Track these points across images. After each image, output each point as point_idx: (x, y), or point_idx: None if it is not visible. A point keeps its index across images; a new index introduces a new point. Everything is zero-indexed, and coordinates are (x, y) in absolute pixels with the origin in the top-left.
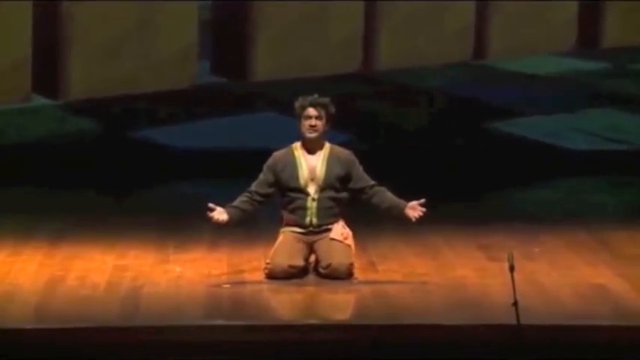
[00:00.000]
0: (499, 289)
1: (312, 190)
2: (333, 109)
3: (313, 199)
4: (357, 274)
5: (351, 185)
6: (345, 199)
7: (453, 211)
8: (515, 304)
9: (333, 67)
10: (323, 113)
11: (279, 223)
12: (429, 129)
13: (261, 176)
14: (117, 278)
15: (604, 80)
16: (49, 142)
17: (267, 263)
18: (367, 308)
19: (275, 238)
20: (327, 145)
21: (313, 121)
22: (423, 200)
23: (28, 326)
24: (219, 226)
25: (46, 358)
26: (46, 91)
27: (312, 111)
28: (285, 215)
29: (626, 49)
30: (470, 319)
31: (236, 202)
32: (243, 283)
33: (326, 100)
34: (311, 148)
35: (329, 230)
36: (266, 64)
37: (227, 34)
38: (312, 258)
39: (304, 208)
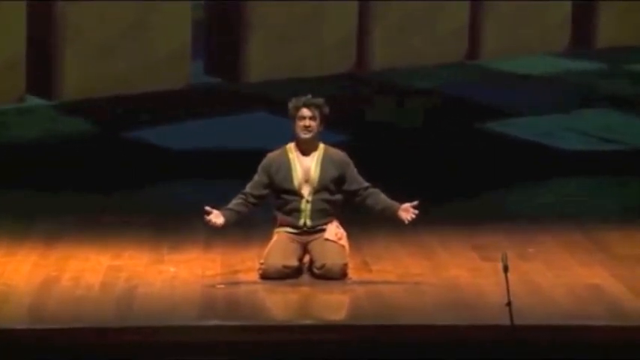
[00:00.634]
0: (493, 290)
1: (306, 192)
2: (326, 110)
3: (307, 201)
4: (351, 274)
5: (345, 187)
6: (338, 201)
7: (447, 211)
8: (509, 304)
9: (327, 67)
10: (317, 114)
11: (273, 223)
12: (423, 129)
13: (256, 177)
14: (111, 278)
15: (598, 80)
16: (44, 143)
17: (261, 263)
18: (361, 308)
19: (269, 239)
20: (322, 146)
21: (307, 122)
22: (415, 202)
23: (23, 326)
24: (216, 229)
25: (40, 358)
26: (40, 92)
27: (305, 111)
28: (279, 216)
29: (621, 49)
30: (464, 320)
31: (231, 205)
32: (237, 283)
33: (320, 100)
34: (305, 149)
35: (323, 231)
36: (260, 64)
37: (221, 34)
38: (307, 258)
39: (298, 210)
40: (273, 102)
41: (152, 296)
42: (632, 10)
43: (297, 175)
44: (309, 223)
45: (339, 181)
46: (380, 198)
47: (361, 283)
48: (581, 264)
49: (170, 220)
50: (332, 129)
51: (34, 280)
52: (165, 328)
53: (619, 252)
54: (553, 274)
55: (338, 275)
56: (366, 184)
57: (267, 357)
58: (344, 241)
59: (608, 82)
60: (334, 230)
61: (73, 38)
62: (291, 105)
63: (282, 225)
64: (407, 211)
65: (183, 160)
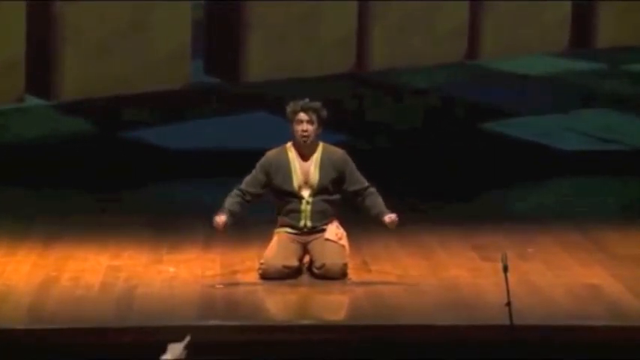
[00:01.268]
0: (493, 290)
1: (305, 193)
2: (324, 113)
3: (307, 203)
4: (351, 274)
5: (346, 187)
6: (338, 200)
7: (446, 211)
8: (508, 304)
9: (327, 67)
10: (314, 117)
11: (272, 223)
12: (423, 129)
13: (254, 174)
14: (111, 279)
15: (597, 80)
16: (43, 143)
17: (262, 263)
18: (360, 309)
19: (269, 239)
20: (321, 147)
21: (305, 126)
22: (395, 216)
23: (22, 327)
24: (220, 230)
25: (39, 358)
26: (40, 92)
27: (303, 115)
28: (280, 217)
29: (620, 49)
30: (463, 320)
31: (228, 205)
32: (236, 283)
33: (317, 104)
34: (304, 152)
35: (323, 231)
36: (259, 64)
37: (220, 34)
38: (307, 258)
39: (298, 212)
40: (273, 102)
41: (151, 296)
42: (631, 10)
43: (297, 177)
44: (309, 224)
45: (339, 180)
46: (377, 202)
47: (361, 283)
48: (580, 264)
49: (169, 220)
50: (331, 129)
51: (34, 280)
52: (165, 328)
53: (618, 252)
54: (552, 274)
55: (337, 275)
56: (366, 183)
57: (266, 357)
58: (344, 241)
59: (607, 82)
60: (334, 230)
61: (73, 38)
62: (289, 109)
63: (282, 226)
64: (390, 220)
65: (183, 160)
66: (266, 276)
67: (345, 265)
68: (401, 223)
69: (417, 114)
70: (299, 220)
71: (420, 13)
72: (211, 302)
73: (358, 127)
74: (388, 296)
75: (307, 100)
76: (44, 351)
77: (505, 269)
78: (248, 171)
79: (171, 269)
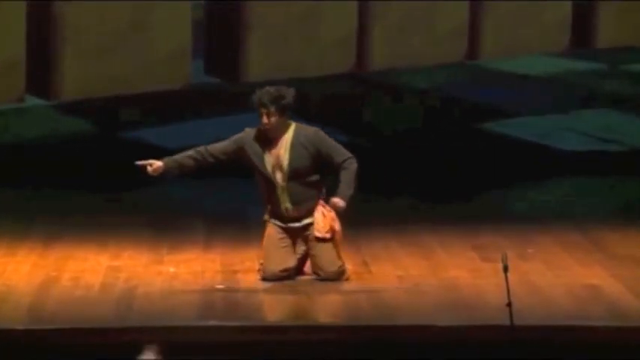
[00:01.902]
0: (493, 290)
1: (279, 178)
2: (286, 101)
3: (282, 188)
4: (351, 274)
5: (326, 161)
6: (318, 181)
7: (446, 211)
8: (509, 304)
9: (327, 67)
10: (274, 109)
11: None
12: (422, 129)
13: (225, 142)
14: (111, 279)
15: (598, 81)
16: (43, 143)
17: (261, 264)
18: (361, 309)
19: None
20: (292, 128)
21: (265, 119)
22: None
23: (22, 327)
24: (157, 174)
25: (39, 358)
26: (40, 92)
27: (262, 109)
28: (265, 200)
29: (620, 50)
30: (464, 320)
31: (180, 156)
32: (236, 283)
33: (274, 95)
34: (273, 137)
35: (311, 224)
36: (259, 64)
37: (221, 34)
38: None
39: (276, 196)
40: None
41: (152, 296)
42: (631, 10)
43: (270, 160)
44: (290, 207)
45: (316, 160)
46: (344, 179)
47: (361, 283)
48: (580, 264)
49: (169, 221)
50: (331, 128)
51: (34, 280)
52: (165, 328)
53: (618, 252)
54: (553, 275)
55: (335, 278)
56: (345, 156)
57: (266, 357)
58: (335, 225)
59: (607, 82)
60: (321, 221)
61: (73, 38)
62: (254, 97)
63: (269, 213)
64: (333, 203)
65: None
66: (265, 279)
67: (340, 266)
68: (401, 223)
69: (417, 114)
70: (279, 205)
71: (420, 13)
72: (211, 302)
73: (358, 127)
74: (388, 297)
75: (267, 88)
76: (44, 351)
77: (505, 269)
78: (247, 171)
79: (172, 269)
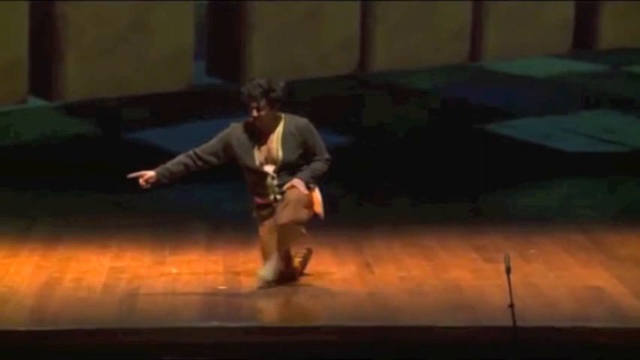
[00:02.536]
0: (495, 291)
1: (270, 169)
2: (275, 94)
3: (273, 178)
4: (354, 276)
5: (307, 153)
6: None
7: (448, 212)
8: (511, 305)
9: (329, 68)
10: (263, 102)
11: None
12: (424, 130)
13: (212, 142)
14: (113, 280)
15: (599, 82)
16: (45, 144)
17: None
18: (363, 310)
19: None
20: (282, 120)
21: (255, 113)
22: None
23: (24, 328)
24: (150, 184)
25: (42, 359)
26: (42, 93)
27: (251, 100)
28: (251, 191)
29: (622, 51)
30: (466, 321)
31: (171, 163)
32: (239, 285)
33: (259, 90)
34: (264, 129)
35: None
36: (261, 65)
37: (223, 35)
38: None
39: (265, 187)
40: None
41: (154, 298)
42: (633, 12)
43: (259, 153)
44: (279, 197)
45: (304, 150)
46: (309, 167)
47: (363, 284)
48: (582, 265)
49: (172, 222)
50: (333, 130)
51: (36, 281)
52: (167, 329)
53: (620, 253)
54: (555, 276)
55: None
56: (325, 155)
57: (268, 359)
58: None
59: (609, 84)
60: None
61: (75, 39)
62: (243, 90)
63: (257, 206)
64: (288, 185)
65: None
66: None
67: (302, 215)
68: (403, 224)
69: (419, 115)
70: (268, 195)
71: (422, 15)
72: (213, 304)
73: (360, 129)
74: (390, 297)
75: (256, 81)
76: (46, 352)
77: (507, 270)
78: None
79: (174, 270)
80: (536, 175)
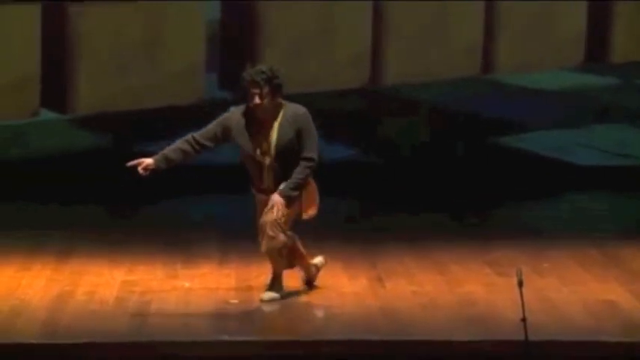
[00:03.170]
0: (508, 305)
1: (266, 159)
2: (278, 80)
3: (268, 168)
4: (366, 289)
5: (297, 142)
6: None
7: (461, 226)
8: (523, 319)
9: (341, 82)
10: (267, 89)
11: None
12: (437, 144)
13: (211, 126)
14: (125, 293)
15: (612, 95)
16: (58, 157)
17: None
18: (376, 324)
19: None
20: (283, 108)
21: (257, 99)
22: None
23: (37, 341)
24: (149, 172)
25: None
26: (55, 106)
27: (253, 87)
28: (249, 175)
29: (635, 64)
30: (478, 335)
31: (168, 150)
32: (251, 298)
33: (266, 73)
34: (263, 116)
35: None
36: None
37: (235, 48)
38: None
39: (260, 175)
40: None
41: (166, 311)
42: None
43: (257, 140)
44: (272, 187)
45: (298, 138)
46: (295, 176)
47: (375, 298)
48: (596, 279)
49: (184, 235)
50: (345, 144)
51: (48, 294)
52: (179, 343)
53: (634, 267)
54: (568, 290)
55: (267, 227)
56: (311, 154)
57: None
58: (305, 197)
59: (622, 97)
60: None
61: (88, 53)
62: (245, 75)
63: (252, 185)
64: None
65: (197, 174)
66: None
67: (279, 218)
68: (415, 238)
69: (432, 128)
70: (262, 183)
71: (435, 28)
72: (226, 317)
73: (372, 142)
74: (402, 311)
75: (259, 67)
76: None
77: (520, 284)
78: None
79: (186, 284)
80: (549, 188)
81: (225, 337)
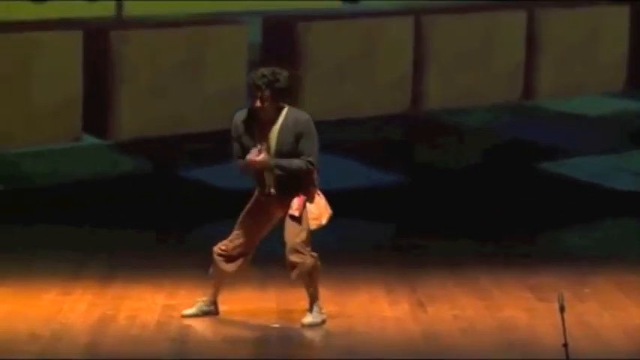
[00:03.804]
0: (549, 330)
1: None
2: (280, 84)
3: (269, 170)
4: (406, 314)
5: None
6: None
7: (502, 250)
8: (565, 345)
9: (382, 107)
10: (268, 92)
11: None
12: (478, 169)
13: (234, 144)
14: (166, 318)
15: None
16: (100, 181)
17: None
18: (417, 348)
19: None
20: (284, 112)
21: (258, 102)
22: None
23: None
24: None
25: None
26: (97, 131)
27: (255, 90)
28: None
29: None
30: None
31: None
32: (292, 322)
33: (269, 76)
34: (265, 119)
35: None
36: (314, 104)
37: None
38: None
39: (262, 177)
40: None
41: (207, 335)
42: None
43: (259, 142)
44: (273, 191)
45: (297, 143)
46: (295, 160)
47: (416, 323)
48: (636, 305)
49: None
50: (385, 169)
51: (90, 318)
52: None
53: None
54: (609, 315)
55: (290, 254)
56: (308, 158)
57: None
58: (312, 208)
59: None
60: (296, 202)
61: (129, 78)
62: (248, 79)
63: (257, 188)
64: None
65: (238, 198)
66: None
67: (299, 243)
68: (456, 263)
69: (473, 154)
70: (264, 186)
71: (476, 53)
72: (267, 341)
73: (413, 167)
74: (444, 336)
75: (262, 71)
76: None
77: (561, 310)
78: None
79: (227, 308)
80: (589, 214)
81: None
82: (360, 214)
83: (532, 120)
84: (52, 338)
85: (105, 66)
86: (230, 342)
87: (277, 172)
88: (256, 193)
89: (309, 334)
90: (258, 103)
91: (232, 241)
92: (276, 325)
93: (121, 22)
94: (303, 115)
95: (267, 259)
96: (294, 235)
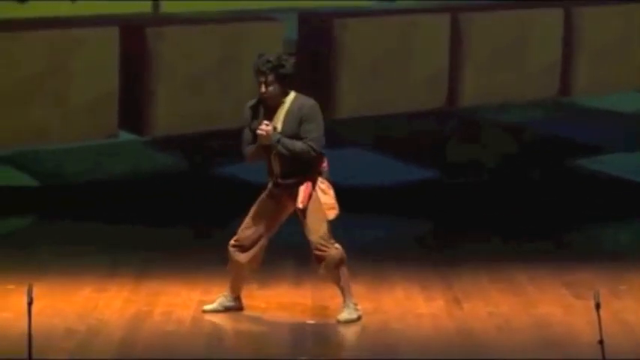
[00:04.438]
0: (584, 327)
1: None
2: (284, 69)
3: (274, 155)
4: (442, 310)
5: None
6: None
7: (537, 247)
8: (601, 342)
9: (418, 103)
10: (272, 77)
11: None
12: (514, 165)
13: (244, 132)
14: (202, 314)
15: None
16: (135, 178)
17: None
18: (452, 345)
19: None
20: (291, 98)
21: (263, 88)
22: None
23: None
24: (265, 141)
25: None
26: (133, 127)
27: (260, 76)
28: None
29: None
30: (555, 357)
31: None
32: (327, 319)
33: (273, 62)
34: (271, 105)
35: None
36: (350, 101)
37: (311, 70)
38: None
39: (270, 162)
40: (365, 138)
41: (242, 331)
42: None
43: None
44: (279, 175)
45: (301, 128)
46: (298, 142)
47: (452, 320)
48: None
49: None
50: (420, 165)
51: (125, 315)
52: None
53: None
54: None
55: (315, 248)
56: (310, 142)
57: None
58: (326, 199)
59: None
60: (301, 195)
61: (165, 74)
62: (253, 65)
63: (269, 176)
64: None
65: None
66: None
67: (321, 237)
68: (491, 259)
69: (509, 150)
70: (273, 170)
71: (512, 50)
72: (302, 338)
73: (448, 164)
74: (479, 333)
75: (267, 56)
76: None
77: (597, 307)
78: (345, 207)
79: (262, 305)
80: (625, 210)
81: (302, 358)
82: (395, 210)
83: (568, 117)
84: (87, 334)
85: (141, 63)
86: (265, 338)
87: (280, 149)
88: (269, 184)
89: (344, 330)
90: (262, 89)
91: (243, 230)
92: (312, 322)
93: (157, 19)
94: (308, 101)
95: (302, 255)
96: (314, 231)
